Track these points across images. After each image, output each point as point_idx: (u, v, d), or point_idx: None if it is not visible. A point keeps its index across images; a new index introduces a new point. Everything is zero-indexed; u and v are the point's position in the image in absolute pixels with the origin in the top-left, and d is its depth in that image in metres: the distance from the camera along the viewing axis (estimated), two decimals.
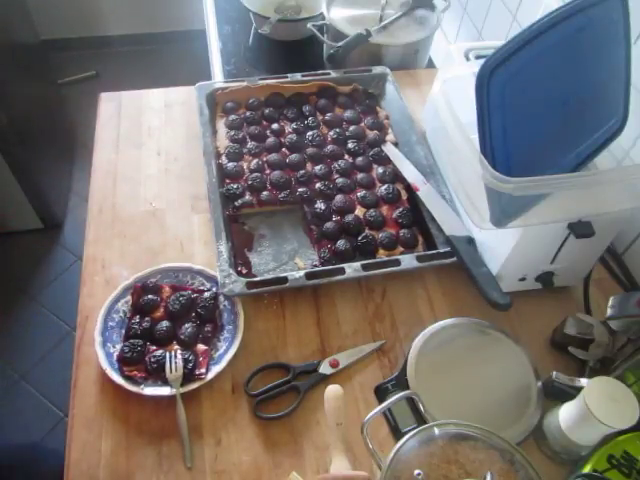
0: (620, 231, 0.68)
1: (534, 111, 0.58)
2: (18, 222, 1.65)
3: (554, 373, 0.59)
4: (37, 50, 1.78)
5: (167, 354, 0.62)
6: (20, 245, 1.67)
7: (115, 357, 0.62)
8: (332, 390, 0.57)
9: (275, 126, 0.86)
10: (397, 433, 0.58)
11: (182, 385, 0.60)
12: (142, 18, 2.21)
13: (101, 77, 2.16)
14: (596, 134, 0.65)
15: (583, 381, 0.56)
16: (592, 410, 0.49)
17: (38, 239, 1.69)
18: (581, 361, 0.63)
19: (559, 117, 0.61)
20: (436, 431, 0.49)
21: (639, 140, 0.70)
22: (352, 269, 0.68)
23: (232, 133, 0.84)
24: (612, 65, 0.63)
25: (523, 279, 0.69)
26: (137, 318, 0.65)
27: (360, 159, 0.83)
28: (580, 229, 0.60)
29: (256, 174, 0.79)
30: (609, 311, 0.61)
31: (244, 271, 0.71)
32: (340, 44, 0.94)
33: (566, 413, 0.55)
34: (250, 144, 0.84)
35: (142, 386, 0.60)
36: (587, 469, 0.52)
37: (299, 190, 0.78)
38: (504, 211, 0.60)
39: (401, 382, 0.62)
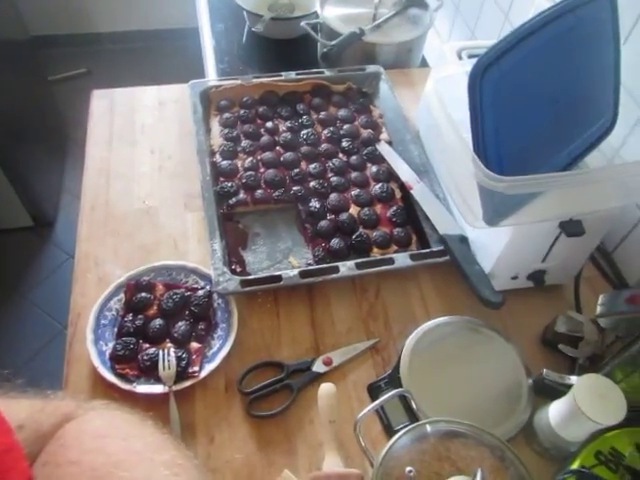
0: (610, 230, 0.69)
1: (526, 110, 0.58)
2: (9, 220, 1.63)
3: (544, 371, 0.59)
4: (26, 46, 1.76)
5: (160, 352, 0.61)
6: (11, 243, 1.65)
7: (107, 355, 0.62)
8: (325, 388, 0.57)
9: (269, 124, 0.86)
10: (390, 431, 0.59)
11: (175, 383, 0.60)
12: (135, 15, 2.19)
13: (93, 74, 2.14)
14: (587, 133, 0.66)
15: (573, 378, 0.57)
16: (581, 407, 0.50)
17: (29, 237, 1.67)
18: (571, 358, 0.64)
19: (550, 116, 0.61)
20: (428, 428, 0.49)
21: (629, 139, 0.71)
22: (346, 268, 0.68)
23: (226, 131, 0.84)
24: (602, 64, 0.64)
25: (515, 277, 0.69)
26: (130, 316, 0.65)
27: (354, 158, 0.83)
28: (571, 228, 0.61)
29: (250, 172, 0.79)
30: (599, 309, 0.61)
31: (238, 269, 0.71)
32: (334, 42, 0.94)
33: (556, 410, 0.55)
34: (244, 142, 0.83)
35: (134, 384, 0.60)
36: (575, 465, 0.53)
37: (293, 189, 0.78)
38: (496, 210, 0.60)
39: (394, 380, 0.62)
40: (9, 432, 0.27)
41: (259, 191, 0.78)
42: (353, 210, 0.77)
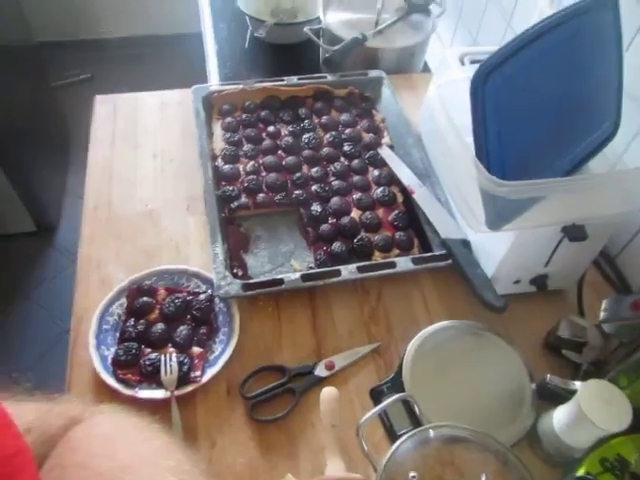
0: (613, 234, 0.69)
1: (528, 115, 0.59)
2: (12, 225, 1.64)
3: (548, 376, 0.59)
4: (32, 52, 1.77)
5: (162, 357, 0.61)
6: (14, 248, 1.66)
7: (109, 360, 0.62)
8: (327, 392, 0.56)
9: (271, 129, 0.87)
10: (392, 435, 0.58)
11: (177, 388, 0.60)
12: (138, 21, 2.21)
13: (96, 80, 2.15)
14: (589, 138, 0.66)
15: (576, 384, 0.57)
16: (586, 413, 0.49)
17: (32, 241, 1.68)
18: (574, 364, 0.64)
19: (553, 121, 0.61)
20: (431, 433, 0.49)
21: (632, 144, 0.71)
22: (348, 271, 0.68)
23: (228, 135, 0.84)
24: (604, 70, 0.64)
25: (517, 282, 0.69)
26: (132, 321, 0.65)
27: (356, 162, 0.83)
28: (574, 232, 0.60)
29: (252, 176, 0.79)
30: (602, 314, 0.61)
31: (240, 273, 0.71)
32: (336, 48, 0.94)
33: (560, 416, 0.55)
34: (246, 146, 0.84)
35: (137, 389, 0.60)
36: (580, 472, 0.52)
37: (295, 192, 0.78)
38: (499, 214, 0.60)
39: (396, 384, 0.62)
40: (19, 435, 0.27)
41: (261, 195, 0.78)
42: (355, 214, 0.77)
